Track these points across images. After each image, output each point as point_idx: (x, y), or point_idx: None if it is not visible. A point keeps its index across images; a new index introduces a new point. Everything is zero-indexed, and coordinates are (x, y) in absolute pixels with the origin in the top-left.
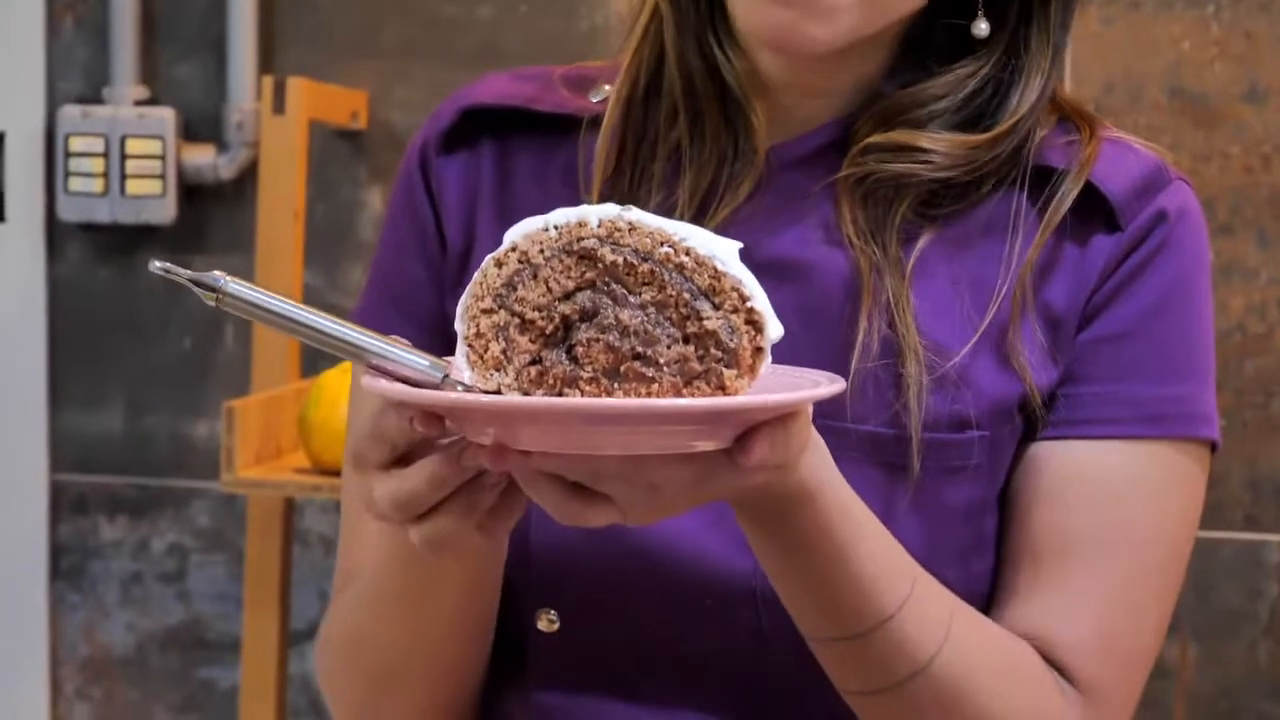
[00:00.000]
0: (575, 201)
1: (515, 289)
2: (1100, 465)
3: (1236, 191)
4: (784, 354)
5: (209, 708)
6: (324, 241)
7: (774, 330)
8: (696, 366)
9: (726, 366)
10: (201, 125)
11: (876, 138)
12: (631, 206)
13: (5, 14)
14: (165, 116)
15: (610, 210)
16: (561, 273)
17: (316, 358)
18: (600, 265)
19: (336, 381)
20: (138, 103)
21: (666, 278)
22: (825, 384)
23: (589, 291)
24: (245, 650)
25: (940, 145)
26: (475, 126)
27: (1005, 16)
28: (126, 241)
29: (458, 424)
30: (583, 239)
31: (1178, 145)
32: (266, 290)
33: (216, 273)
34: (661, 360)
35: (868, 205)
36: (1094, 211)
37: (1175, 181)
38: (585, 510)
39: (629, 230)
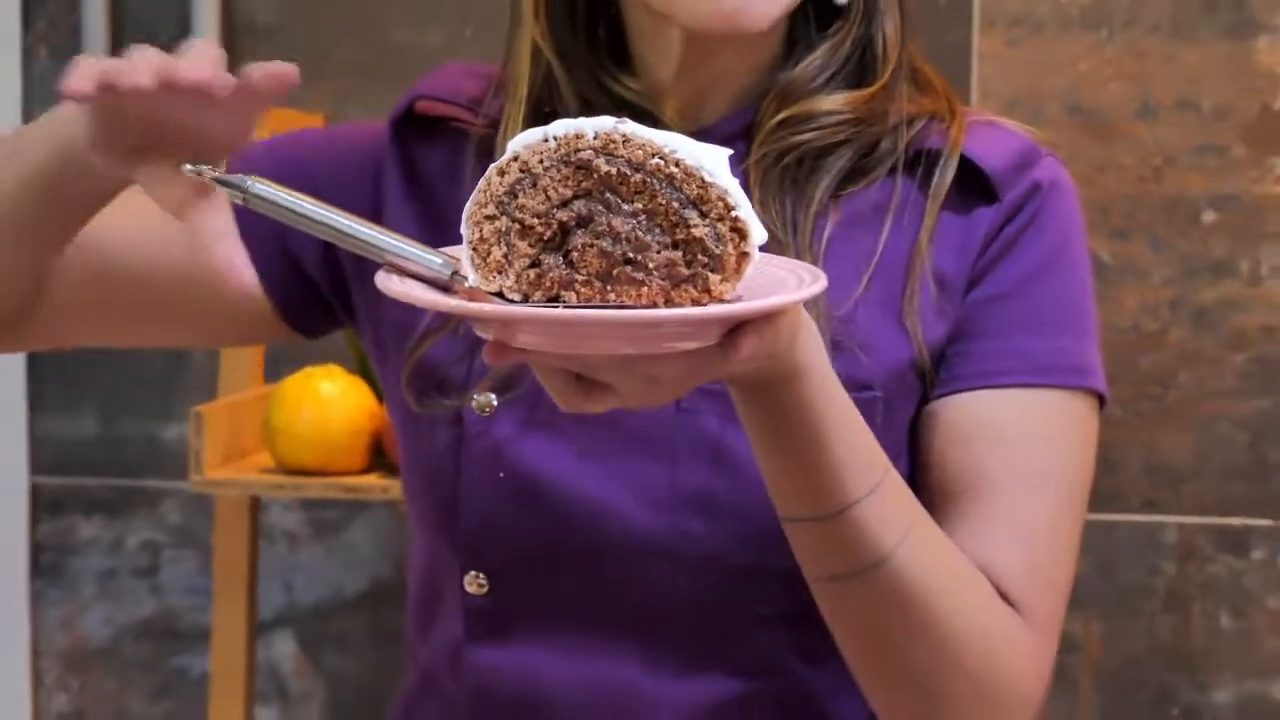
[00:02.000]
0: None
1: (516, 196)
2: (1000, 412)
3: (1131, 200)
4: None
5: (181, 694)
6: None
7: (758, 236)
8: (684, 271)
9: (712, 271)
10: None
11: (783, 114)
12: (626, 119)
13: None
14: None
15: (606, 123)
16: (559, 182)
17: (279, 365)
18: (595, 175)
19: (299, 387)
20: None
21: (657, 187)
22: (808, 284)
23: (585, 200)
24: (215, 640)
25: (837, 104)
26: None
27: None
28: None
29: (469, 322)
30: (579, 150)
31: (1076, 157)
32: (290, 192)
33: (243, 174)
34: (651, 265)
35: (781, 189)
36: (974, 186)
37: (1046, 157)
38: (587, 399)
39: (623, 142)
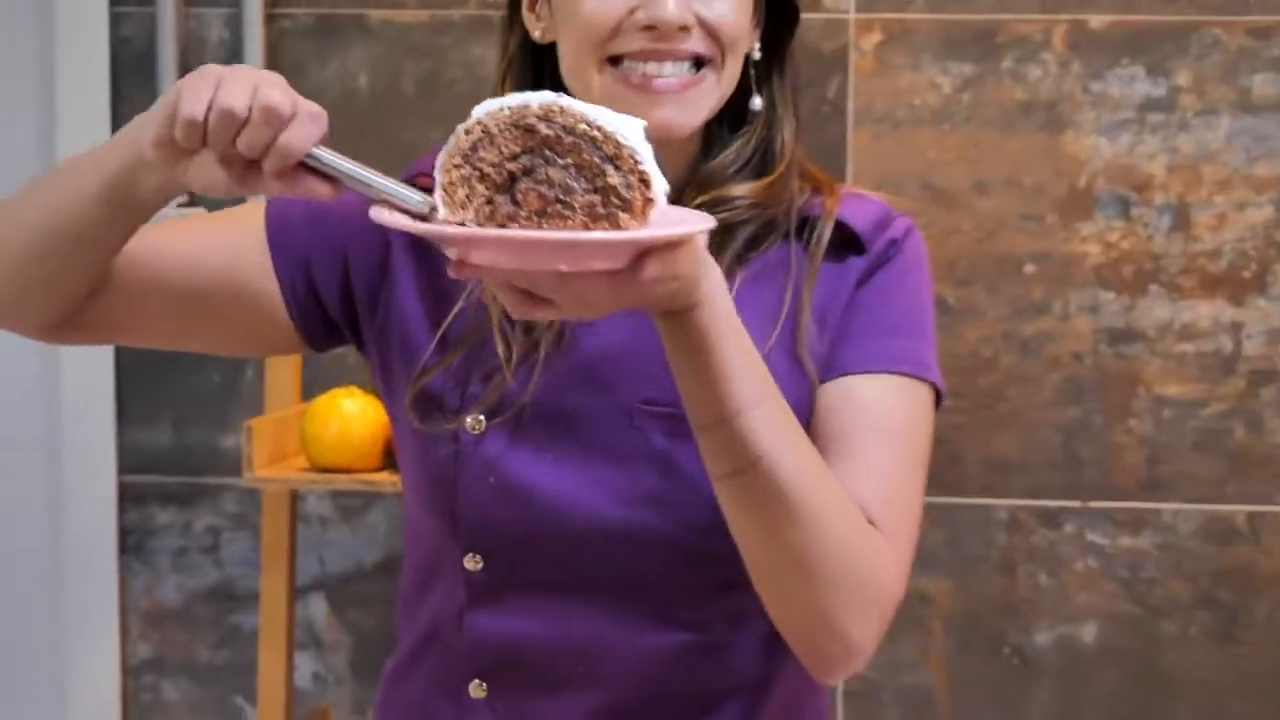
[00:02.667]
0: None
1: (477, 151)
2: (857, 391)
3: (970, 257)
4: (637, 364)
5: (237, 645)
6: None
7: (659, 184)
8: (601, 210)
9: (623, 211)
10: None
11: (701, 198)
12: (563, 95)
13: (73, 137)
14: (194, 215)
15: (548, 97)
16: (510, 140)
17: (312, 387)
18: (538, 136)
19: (327, 404)
20: (180, 204)
21: (583, 146)
22: (694, 224)
23: (529, 155)
24: (263, 601)
25: (744, 191)
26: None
27: (761, 94)
28: None
29: (434, 243)
30: (526, 117)
31: (929, 224)
32: (344, 158)
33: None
34: (577, 205)
35: None
36: (847, 244)
37: (899, 218)
38: (534, 309)
39: (560, 112)
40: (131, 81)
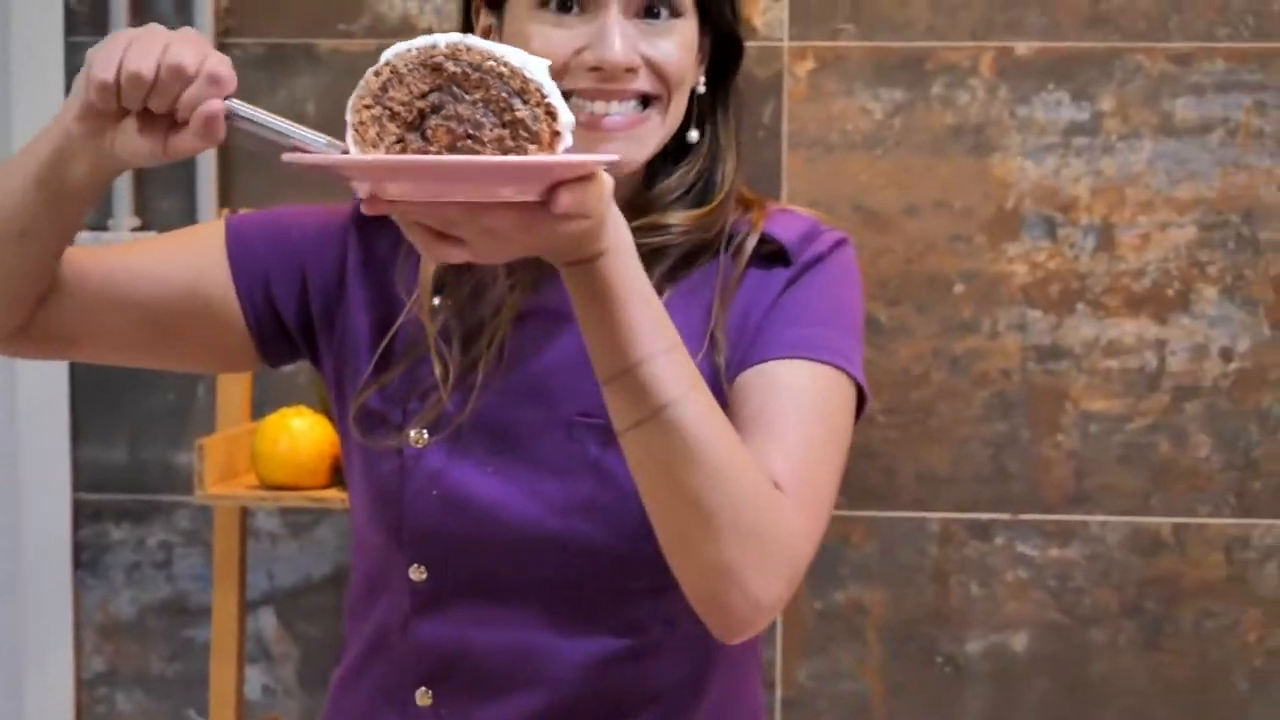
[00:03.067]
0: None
1: (387, 91)
2: (779, 373)
3: (900, 277)
4: (574, 380)
5: (189, 657)
6: None
7: (565, 117)
8: (510, 143)
9: (531, 143)
10: None
11: (638, 221)
12: (469, 35)
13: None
14: (151, 238)
15: (454, 37)
16: (419, 79)
17: (262, 406)
18: (445, 74)
19: (276, 423)
20: (133, 229)
21: (491, 82)
22: (604, 155)
23: (437, 93)
24: (215, 615)
25: (678, 220)
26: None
27: (704, 126)
28: None
29: (342, 178)
30: (434, 56)
31: (860, 245)
32: (258, 109)
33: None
34: (486, 139)
35: None
36: (775, 256)
37: (827, 231)
38: (446, 250)
39: (466, 50)
40: None
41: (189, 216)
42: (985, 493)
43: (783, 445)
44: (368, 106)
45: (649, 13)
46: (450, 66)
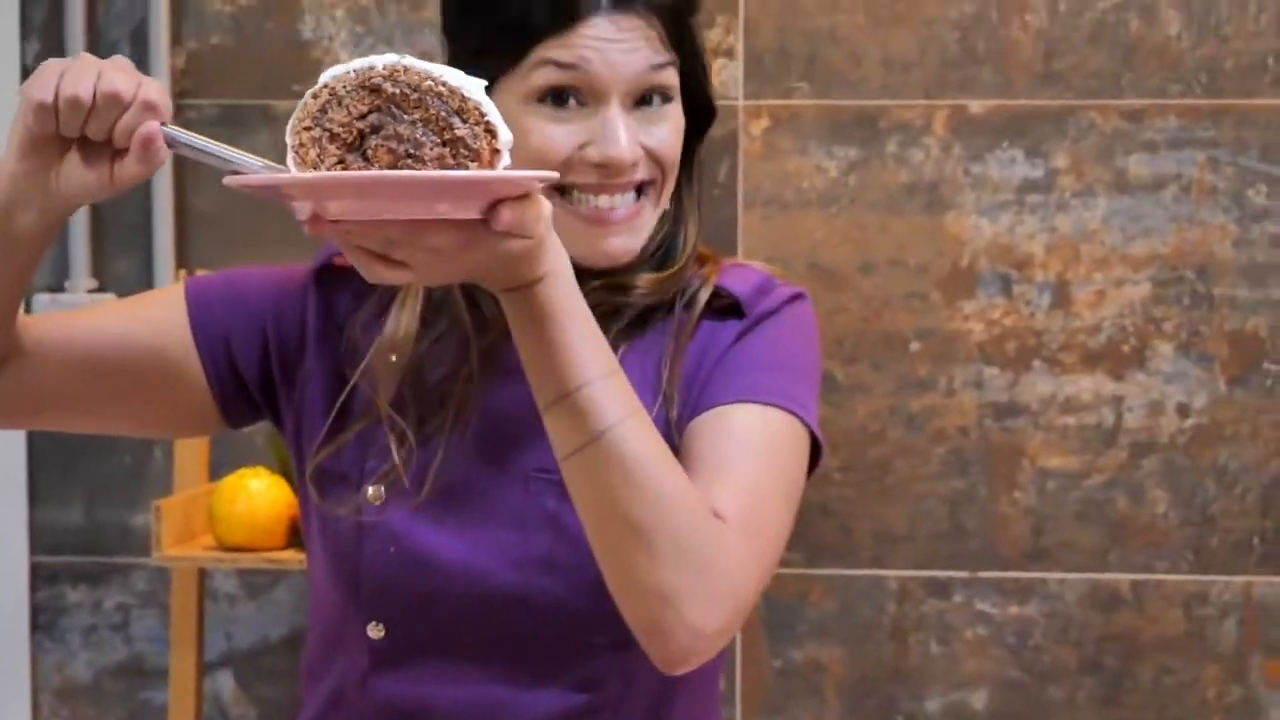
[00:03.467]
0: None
1: (326, 113)
2: (729, 418)
3: (856, 334)
4: (530, 434)
5: (149, 717)
6: None
7: (504, 135)
8: (451, 162)
9: (471, 161)
10: None
11: (598, 282)
12: (406, 55)
13: None
14: (108, 301)
15: (391, 58)
16: (358, 100)
17: (219, 467)
18: (384, 95)
19: (234, 484)
20: (90, 291)
21: (430, 102)
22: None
23: (377, 114)
24: (172, 677)
25: (641, 281)
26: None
27: (676, 192)
28: None
29: (284, 200)
30: (372, 78)
31: (816, 302)
32: (195, 134)
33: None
34: (426, 158)
35: None
36: (729, 310)
37: (781, 286)
38: (387, 272)
39: (404, 71)
40: None
41: (146, 278)
42: (943, 550)
43: (728, 482)
44: (307, 129)
45: (644, 101)
46: (389, 87)
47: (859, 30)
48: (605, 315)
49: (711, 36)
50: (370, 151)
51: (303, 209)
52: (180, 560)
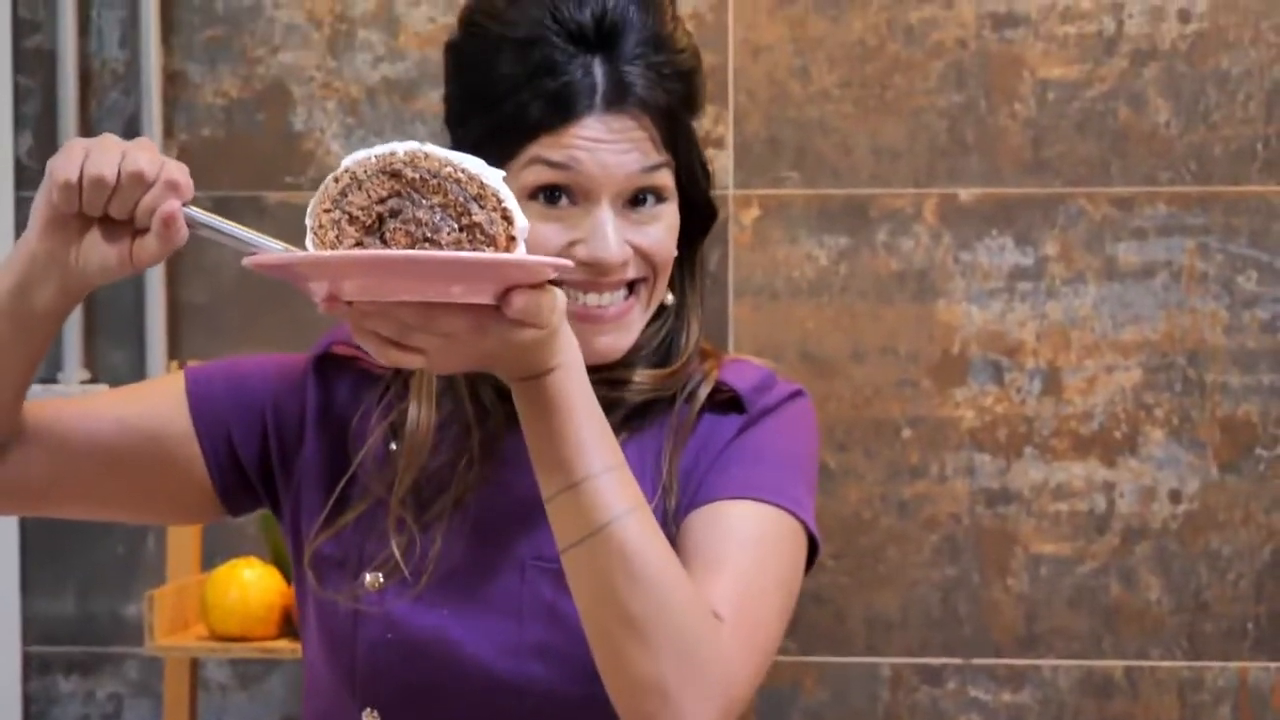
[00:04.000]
0: (383, 431)
1: (346, 195)
2: (726, 513)
3: (848, 422)
4: (528, 523)
5: None
6: None
7: (521, 222)
8: (468, 247)
9: (488, 246)
10: None
11: (599, 375)
12: (426, 143)
13: None
14: (101, 391)
15: (413, 145)
16: (378, 185)
17: (212, 557)
18: (404, 179)
19: (226, 574)
20: (83, 382)
21: (449, 188)
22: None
23: (396, 198)
24: None
25: (641, 377)
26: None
27: (673, 289)
28: None
29: (299, 281)
30: (393, 163)
31: (809, 391)
32: (214, 215)
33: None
34: (444, 242)
35: None
36: (730, 404)
37: (781, 383)
38: (401, 356)
39: (425, 157)
40: None
41: (139, 369)
42: (936, 637)
43: (724, 577)
44: (327, 210)
45: (637, 200)
46: (409, 172)
47: (848, 120)
48: (606, 407)
49: (701, 126)
50: (388, 235)
51: (319, 289)
52: (173, 650)
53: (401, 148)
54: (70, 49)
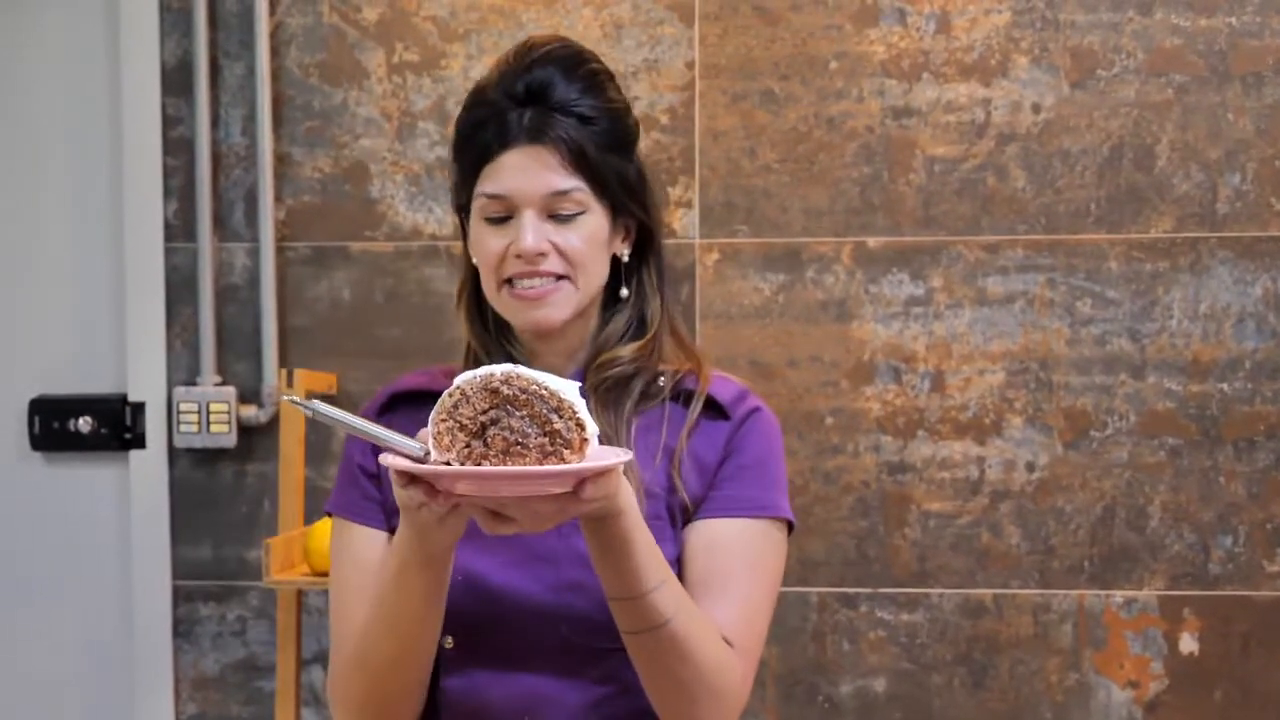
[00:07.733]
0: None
1: (458, 409)
2: (725, 533)
3: (784, 413)
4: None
5: (259, 703)
6: (317, 446)
7: (591, 428)
8: (550, 449)
9: (566, 449)
10: (249, 395)
11: (597, 360)
12: (519, 365)
13: (140, 342)
14: (230, 392)
15: (508, 367)
16: (481, 399)
17: (311, 514)
18: (501, 395)
19: (322, 527)
20: (215, 384)
21: (535, 402)
22: (616, 457)
23: (495, 409)
24: (278, 671)
25: (626, 352)
26: (396, 400)
27: (632, 282)
28: (209, 457)
29: (430, 480)
30: (492, 382)
31: (756, 390)
32: (338, 409)
33: (313, 400)
34: (531, 446)
35: (605, 407)
36: (716, 411)
37: (751, 396)
38: (500, 525)
39: (517, 378)
40: (181, 298)
41: (256, 375)
42: (852, 573)
43: (731, 607)
44: (443, 420)
45: (560, 213)
46: (505, 390)
47: (785, 187)
48: (612, 390)
49: (674, 193)
50: (489, 439)
51: (440, 484)
52: (283, 584)
53: (499, 370)
54: (205, 137)
